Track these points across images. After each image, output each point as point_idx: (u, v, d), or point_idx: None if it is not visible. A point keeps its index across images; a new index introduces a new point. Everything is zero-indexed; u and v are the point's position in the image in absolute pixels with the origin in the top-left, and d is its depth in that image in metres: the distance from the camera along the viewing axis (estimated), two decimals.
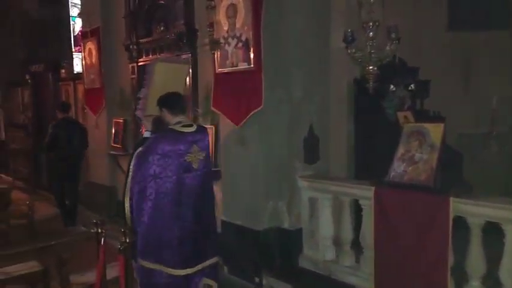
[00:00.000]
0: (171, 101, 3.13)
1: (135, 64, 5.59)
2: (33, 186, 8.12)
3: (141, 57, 5.50)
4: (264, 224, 4.07)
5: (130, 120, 5.88)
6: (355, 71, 4.30)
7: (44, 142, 5.90)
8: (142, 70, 5.56)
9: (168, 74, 3.52)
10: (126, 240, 2.84)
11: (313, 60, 4.11)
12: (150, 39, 5.31)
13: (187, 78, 4.55)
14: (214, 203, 3.32)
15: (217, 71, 4.21)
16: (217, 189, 4.62)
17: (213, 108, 4.36)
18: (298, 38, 4.00)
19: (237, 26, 3.96)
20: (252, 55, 3.84)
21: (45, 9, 9.67)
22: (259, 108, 3.87)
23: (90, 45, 6.34)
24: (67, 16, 8.56)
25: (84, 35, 6.52)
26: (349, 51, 3.45)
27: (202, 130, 3.23)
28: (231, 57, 4.03)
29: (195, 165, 3.03)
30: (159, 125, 3.30)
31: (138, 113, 3.50)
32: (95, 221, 3.04)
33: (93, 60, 6.31)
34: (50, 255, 3.37)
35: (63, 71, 7.77)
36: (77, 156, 6.00)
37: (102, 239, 3.02)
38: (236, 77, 4.02)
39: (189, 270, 3.01)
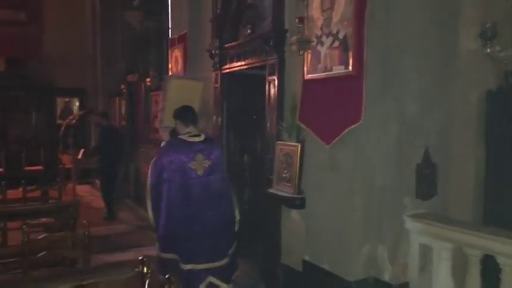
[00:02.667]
0: (182, 113, 3.48)
1: (218, 72, 5.06)
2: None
3: (226, 64, 4.95)
4: (358, 273, 3.16)
5: (211, 133, 5.34)
6: (489, 81, 3.20)
7: (91, 147, 7.21)
8: (226, 79, 5.04)
9: (183, 90, 3.95)
10: None
11: (434, 64, 3.15)
12: (234, 43, 4.73)
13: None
14: (226, 206, 3.51)
15: (306, 77, 3.44)
16: (299, 219, 3.86)
17: (299, 123, 3.59)
18: (413, 33, 3.07)
19: (334, 20, 3.16)
20: (351, 56, 3.01)
21: (148, 21, 9.87)
22: (357, 124, 3.01)
23: (177, 53, 6.00)
24: (167, 27, 8.52)
25: (172, 43, 6.22)
26: (488, 50, 2.47)
27: (210, 141, 3.58)
28: (324, 60, 3.24)
29: (199, 172, 3.35)
30: (174, 135, 3.58)
31: (157, 124, 4.17)
32: (140, 258, 2.47)
33: (179, 68, 5.95)
34: None
35: (148, 79, 7.62)
36: (118, 160, 7.09)
37: (147, 281, 2.45)
38: (329, 84, 3.21)
39: (194, 266, 3.31)
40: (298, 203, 3.74)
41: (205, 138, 3.46)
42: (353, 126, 3.02)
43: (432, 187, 3.16)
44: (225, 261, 3.43)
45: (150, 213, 3.46)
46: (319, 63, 3.29)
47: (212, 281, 3.38)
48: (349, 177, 3.17)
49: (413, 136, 3.13)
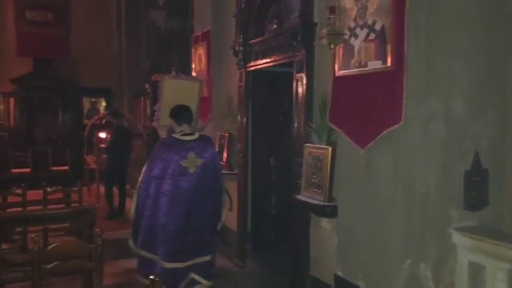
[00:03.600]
0: (176, 113, 3.53)
1: (243, 70, 4.79)
2: None
3: (251, 61, 4.67)
4: None
5: (236, 134, 5.09)
6: None
7: (105, 146, 7.12)
8: (251, 77, 4.77)
9: (178, 90, 4.03)
10: None
11: (486, 60, 2.77)
12: (259, 39, 4.45)
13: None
14: (214, 205, 3.56)
15: (337, 74, 3.12)
16: (330, 229, 3.54)
17: (330, 124, 3.27)
18: (462, 22, 2.71)
19: (370, 10, 2.83)
20: (389, 50, 2.67)
21: (172, 20, 9.73)
22: (397, 126, 2.67)
23: (200, 51, 5.78)
24: (191, 26, 8.34)
25: (195, 40, 6.00)
26: None
27: (204, 139, 3.59)
28: (358, 54, 2.91)
29: (191, 170, 3.39)
30: (172, 133, 3.62)
31: (154, 123, 4.05)
32: (152, 277, 2.23)
33: (202, 66, 5.72)
34: None
35: (165, 75, 7.41)
36: (126, 158, 7.13)
37: None
38: (364, 81, 2.88)
39: (177, 265, 3.36)
40: (329, 212, 3.43)
41: (198, 137, 3.51)
42: (392, 127, 2.69)
43: (483, 196, 2.78)
44: (207, 258, 3.50)
45: (133, 209, 3.51)
46: (352, 58, 2.97)
47: (194, 277, 3.44)
48: (387, 185, 2.84)
49: (461, 139, 2.77)
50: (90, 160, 8.54)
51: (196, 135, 3.52)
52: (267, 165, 4.86)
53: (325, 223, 3.63)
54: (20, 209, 4.70)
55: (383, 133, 2.75)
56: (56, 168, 9.16)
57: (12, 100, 10.30)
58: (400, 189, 2.79)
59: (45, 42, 10.37)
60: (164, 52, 9.11)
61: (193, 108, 3.85)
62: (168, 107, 3.73)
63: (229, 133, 5.25)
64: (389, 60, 2.68)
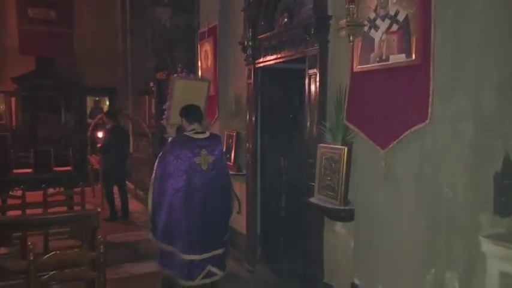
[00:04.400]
0: (187, 112, 3.63)
1: (252, 66, 4.59)
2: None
3: (260, 57, 4.47)
4: None
5: (244, 133, 4.89)
6: None
7: (100, 146, 7.11)
8: (260, 73, 4.57)
9: (188, 89, 4.19)
10: None
11: None
12: (269, 34, 4.25)
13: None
14: (225, 201, 3.70)
15: (355, 69, 2.92)
16: (346, 233, 3.35)
17: (346, 123, 3.07)
18: (493, 8, 2.49)
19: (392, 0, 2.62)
20: (414, 42, 2.47)
21: (178, 17, 9.55)
22: (421, 125, 2.47)
23: (207, 47, 5.58)
24: (197, 22, 8.15)
25: (201, 36, 5.81)
26: None
27: (214, 137, 3.71)
28: (379, 48, 2.71)
29: (203, 167, 3.50)
30: (181, 132, 3.74)
31: (164, 122, 4.12)
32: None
33: (209, 63, 5.53)
34: None
35: (175, 75, 7.23)
36: (123, 158, 7.03)
37: None
38: (385, 76, 2.68)
39: (194, 257, 3.47)
40: (344, 216, 3.23)
41: (209, 136, 3.65)
42: (417, 126, 2.49)
43: None
44: (221, 250, 3.64)
45: (150, 205, 3.62)
46: (372, 51, 2.77)
47: (211, 269, 3.56)
48: (409, 188, 2.64)
49: (491, 139, 2.55)
50: (94, 160, 8.37)
51: (208, 134, 3.65)
52: (277, 166, 4.66)
53: (339, 227, 3.44)
54: (19, 212, 4.54)
55: (406, 133, 2.56)
56: (59, 168, 8.99)
57: (13, 99, 10.14)
58: (425, 192, 2.59)
59: (48, 41, 10.20)
60: (170, 50, 8.94)
61: (202, 107, 3.97)
62: (177, 106, 3.85)
63: (237, 132, 5.05)
64: (414, 53, 2.48)
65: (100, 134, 7.87)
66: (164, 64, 8.64)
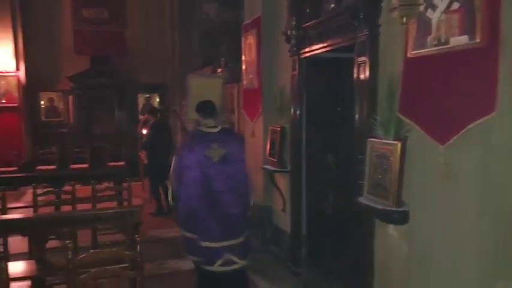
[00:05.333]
0: (202, 107, 3.81)
1: (296, 57, 4.35)
2: None
3: (305, 47, 4.22)
4: None
5: (289, 128, 4.68)
6: None
7: (142, 142, 7.27)
8: (306, 64, 4.33)
9: (203, 87, 4.54)
10: None
11: None
12: (315, 21, 3.99)
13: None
14: (241, 192, 3.77)
15: (409, 55, 2.61)
16: (399, 237, 3.05)
17: (399, 115, 2.77)
18: None
19: None
20: (479, 22, 2.14)
21: (225, 12, 9.48)
22: (487, 117, 2.14)
23: (250, 39, 5.40)
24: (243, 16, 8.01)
25: (245, 29, 5.64)
26: None
27: (226, 131, 3.89)
28: (437, 30, 2.39)
29: (215, 159, 3.65)
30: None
31: (183, 117, 4.59)
32: None
33: (252, 56, 5.35)
34: None
35: (219, 69, 7.15)
36: (166, 155, 6.78)
37: None
38: (444, 61, 2.36)
39: (212, 244, 3.60)
40: (397, 218, 2.93)
41: (221, 129, 3.81)
42: (482, 119, 2.15)
43: None
44: (240, 239, 3.72)
45: (170, 195, 3.94)
46: (428, 34, 2.45)
47: (229, 257, 3.66)
48: (473, 189, 2.30)
49: None
50: (143, 156, 8.52)
51: (219, 128, 3.81)
52: (323, 162, 4.41)
53: (392, 230, 3.13)
54: (69, 207, 4.65)
55: (469, 126, 2.23)
56: (112, 164, 9.28)
57: (71, 98, 10.56)
58: (491, 194, 2.25)
59: (101, 40, 10.53)
60: (216, 45, 8.89)
61: (217, 102, 4.15)
62: (194, 102, 4.03)
63: (282, 127, 4.84)
64: (478, 34, 2.14)
65: (144, 131, 7.96)
66: (210, 59, 8.60)
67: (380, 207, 2.93)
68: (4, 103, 9.19)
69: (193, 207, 3.64)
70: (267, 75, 5.18)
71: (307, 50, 4.18)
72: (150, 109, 8.03)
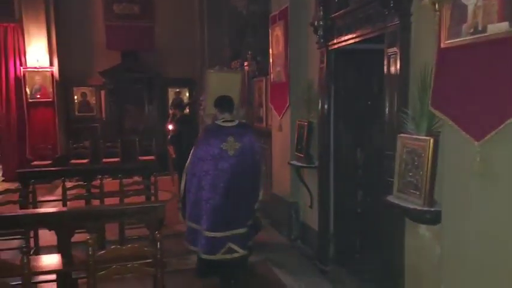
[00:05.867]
0: (219, 102, 3.97)
1: (324, 49, 4.21)
2: None
3: (333, 38, 4.07)
4: None
5: (316, 122, 4.55)
6: None
7: (169, 137, 7.23)
8: (334, 56, 4.18)
9: (221, 81, 4.57)
10: None
11: None
12: (343, 11, 3.84)
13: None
14: (252, 185, 3.95)
15: (443, 45, 2.43)
16: (431, 238, 2.90)
17: (432, 109, 2.60)
18: None
19: None
20: None
21: (253, 4, 9.37)
22: None
23: (278, 31, 5.29)
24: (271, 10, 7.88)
25: (272, 20, 5.52)
26: None
27: (242, 126, 4.04)
28: (474, 16, 2.20)
29: (230, 152, 3.79)
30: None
31: (201, 112, 4.73)
32: None
33: (280, 48, 5.23)
34: None
35: (245, 63, 7.05)
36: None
37: None
38: (482, 51, 2.18)
39: (216, 234, 3.79)
40: (429, 218, 2.76)
41: (237, 124, 3.97)
42: None
43: None
44: (242, 230, 3.92)
45: (182, 186, 4.07)
46: (464, 22, 2.27)
47: (231, 246, 3.87)
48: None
49: None
50: (171, 150, 8.58)
51: (236, 122, 3.97)
52: (352, 158, 4.26)
53: (423, 230, 2.98)
54: (97, 201, 4.70)
55: (508, 121, 2.05)
56: (143, 158, 9.40)
57: (103, 92, 10.75)
58: None
59: (132, 35, 10.64)
60: (245, 38, 8.80)
61: (235, 97, 4.32)
62: (212, 97, 4.18)
63: (309, 122, 4.72)
64: None
65: (170, 126, 7.96)
66: (239, 53, 8.52)
67: (411, 206, 2.78)
68: (39, 98, 9.45)
69: (204, 197, 3.78)
70: (294, 68, 5.05)
71: (335, 41, 4.03)
72: (176, 103, 8.14)
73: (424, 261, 2.98)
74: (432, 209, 2.70)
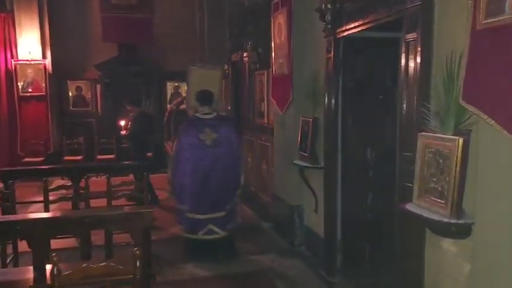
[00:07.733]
0: (199, 96, 4.52)
1: (331, 37, 3.80)
2: None
3: (342, 25, 3.66)
4: None
5: (322, 118, 4.14)
6: None
7: (125, 134, 6.89)
8: (342, 45, 3.78)
9: (202, 77, 5.11)
10: None
11: None
12: None
13: None
14: (230, 172, 4.43)
15: (479, 27, 2.03)
16: (456, 253, 2.51)
17: (462, 103, 2.19)
18: None
19: None
20: None
21: None
22: None
23: (280, 19, 4.87)
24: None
25: (274, 8, 5.10)
26: None
27: (220, 118, 4.57)
28: None
29: (208, 142, 4.33)
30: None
31: (183, 106, 5.61)
32: None
33: (282, 38, 4.82)
34: None
35: (245, 54, 6.64)
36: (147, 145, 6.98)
37: None
38: None
39: (198, 216, 4.36)
40: (455, 231, 2.37)
41: (215, 116, 4.43)
42: None
43: None
44: (222, 213, 4.36)
45: (169, 171, 4.54)
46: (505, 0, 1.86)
47: (211, 228, 4.32)
48: None
49: None
50: (168, 147, 8.19)
51: (213, 115, 4.43)
52: (361, 158, 3.87)
53: (448, 244, 2.59)
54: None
55: None
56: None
57: (99, 86, 10.35)
58: None
59: (129, 27, 10.21)
60: (246, 30, 8.40)
61: (215, 92, 4.73)
62: (194, 91, 4.63)
63: (314, 118, 4.32)
64: None
65: (122, 122, 7.36)
66: (240, 45, 8.13)
67: (435, 218, 2.37)
68: (31, 92, 9.08)
69: (185, 182, 4.29)
70: (298, 59, 4.65)
71: (344, 28, 3.62)
72: (132, 99, 7.34)
73: (448, 279, 2.60)
74: (460, 222, 2.30)
